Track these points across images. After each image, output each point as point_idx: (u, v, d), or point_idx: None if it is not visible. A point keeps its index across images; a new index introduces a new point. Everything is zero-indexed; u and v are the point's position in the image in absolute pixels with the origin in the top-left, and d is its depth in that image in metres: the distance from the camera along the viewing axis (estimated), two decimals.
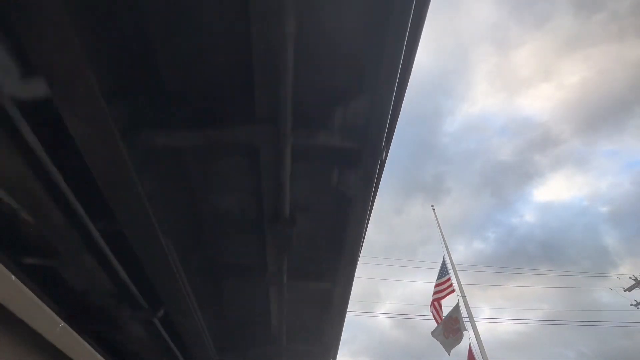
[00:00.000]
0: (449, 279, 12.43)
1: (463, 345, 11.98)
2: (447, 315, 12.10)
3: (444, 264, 13.10)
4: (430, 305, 12.44)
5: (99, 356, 1.39)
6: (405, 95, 2.07)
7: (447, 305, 12.56)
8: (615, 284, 21.65)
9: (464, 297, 12.67)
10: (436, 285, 12.52)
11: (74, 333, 1.17)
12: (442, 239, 14.92)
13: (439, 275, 12.88)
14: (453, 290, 12.26)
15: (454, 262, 14.07)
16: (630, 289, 20.13)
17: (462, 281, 13.47)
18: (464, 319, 11.75)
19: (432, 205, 17.05)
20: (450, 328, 11.93)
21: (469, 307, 12.48)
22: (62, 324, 1.10)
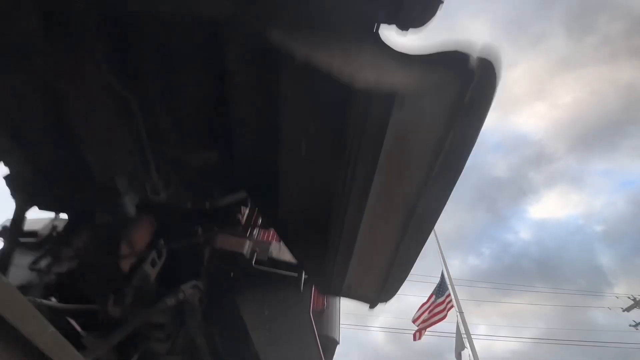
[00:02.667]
0: (448, 295, 12.29)
1: None
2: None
3: (441, 281, 12.91)
4: (420, 325, 12.25)
5: None
6: None
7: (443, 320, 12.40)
8: (613, 303, 21.47)
9: (461, 313, 12.52)
10: (436, 306, 12.30)
11: (64, 339, 1.13)
12: (440, 256, 14.84)
13: (435, 293, 12.62)
14: (452, 306, 12.12)
15: (452, 278, 13.97)
16: (628, 309, 19.96)
17: (458, 297, 13.34)
18: (462, 335, 11.59)
19: None
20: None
21: (467, 324, 12.33)
22: (52, 329, 1.06)
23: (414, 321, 12.56)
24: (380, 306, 2.22)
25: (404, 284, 2.11)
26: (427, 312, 12.27)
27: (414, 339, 12.48)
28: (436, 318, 11.99)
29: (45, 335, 1.14)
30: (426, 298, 12.81)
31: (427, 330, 12.28)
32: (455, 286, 13.63)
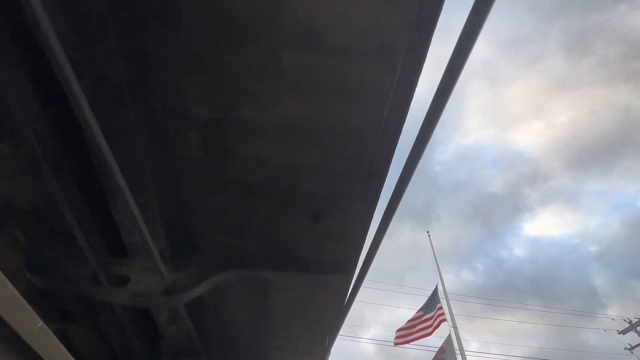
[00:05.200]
0: (440, 308, 12.11)
1: None
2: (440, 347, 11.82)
3: (435, 293, 12.70)
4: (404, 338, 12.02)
5: None
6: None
7: (434, 335, 12.24)
8: (608, 325, 21.27)
9: (455, 328, 12.38)
10: (422, 321, 12.05)
11: (51, 334, 1.13)
12: (436, 269, 14.74)
13: (423, 309, 12.35)
14: (444, 320, 11.94)
15: (448, 292, 13.85)
16: (624, 331, 19.75)
17: (452, 312, 13.18)
18: (456, 351, 11.44)
19: (428, 232, 16.95)
20: (435, 357, 11.69)
21: (460, 340, 12.17)
22: (41, 323, 1.06)
23: (397, 331, 12.32)
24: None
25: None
26: (412, 327, 12.04)
27: (395, 345, 12.23)
28: (422, 333, 11.73)
29: (34, 328, 1.14)
30: (415, 310, 12.61)
31: (410, 342, 12.03)
32: (449, 300, 13.51)
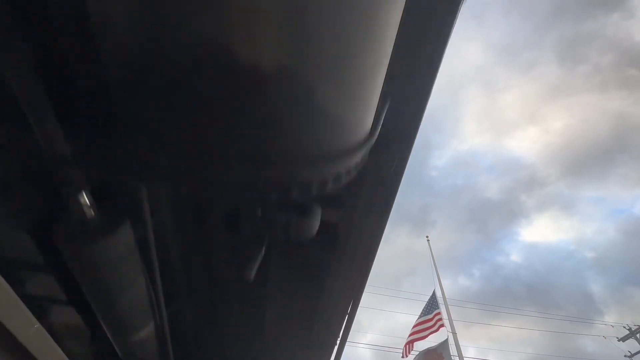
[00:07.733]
0: (438, 313, 12.04)
1: None
2: (431, 348, 11.75)
3: (432, 298, 12.63)
4: (407, 344, 11.94)
5: None
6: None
7: (431, 340, 12.17)
8: (605, 332, 21.19)
9: (454, 334, 12.30)
10: (419, 324, 11.98)
11: (48, 335, 1.12)
12: (435, 272, 14.71)
13: (423, 311, 12.29)
14: (442, 325, 11.86)
15: (446, 297, 13.79)
16: (624, 339, 19.66)
17: (451, 316, 13.12)
18: (454, 357, 11.37)
19: (427, 237, 16.94)
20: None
21: (459, 346, 12.10)
22: (37, 324, 1.05)
23: (404, 346, 12.23)
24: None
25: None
26: (414, 333, 11.94)
27: (402, 356, 12.13)
28: (426, 332, 11.66)
29: (31, 331, 1.12)
30: (413, 315, 12.54)
31: (414, 344, 11.94)
32: (448, 306, 13.45)
